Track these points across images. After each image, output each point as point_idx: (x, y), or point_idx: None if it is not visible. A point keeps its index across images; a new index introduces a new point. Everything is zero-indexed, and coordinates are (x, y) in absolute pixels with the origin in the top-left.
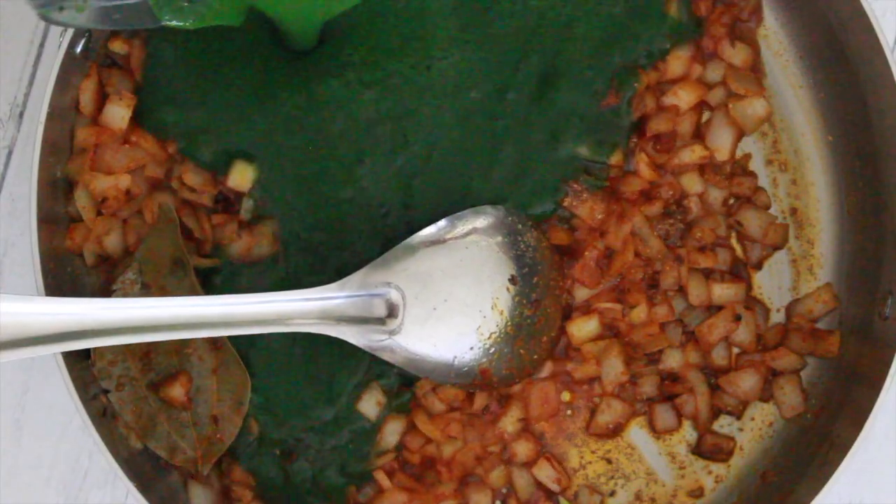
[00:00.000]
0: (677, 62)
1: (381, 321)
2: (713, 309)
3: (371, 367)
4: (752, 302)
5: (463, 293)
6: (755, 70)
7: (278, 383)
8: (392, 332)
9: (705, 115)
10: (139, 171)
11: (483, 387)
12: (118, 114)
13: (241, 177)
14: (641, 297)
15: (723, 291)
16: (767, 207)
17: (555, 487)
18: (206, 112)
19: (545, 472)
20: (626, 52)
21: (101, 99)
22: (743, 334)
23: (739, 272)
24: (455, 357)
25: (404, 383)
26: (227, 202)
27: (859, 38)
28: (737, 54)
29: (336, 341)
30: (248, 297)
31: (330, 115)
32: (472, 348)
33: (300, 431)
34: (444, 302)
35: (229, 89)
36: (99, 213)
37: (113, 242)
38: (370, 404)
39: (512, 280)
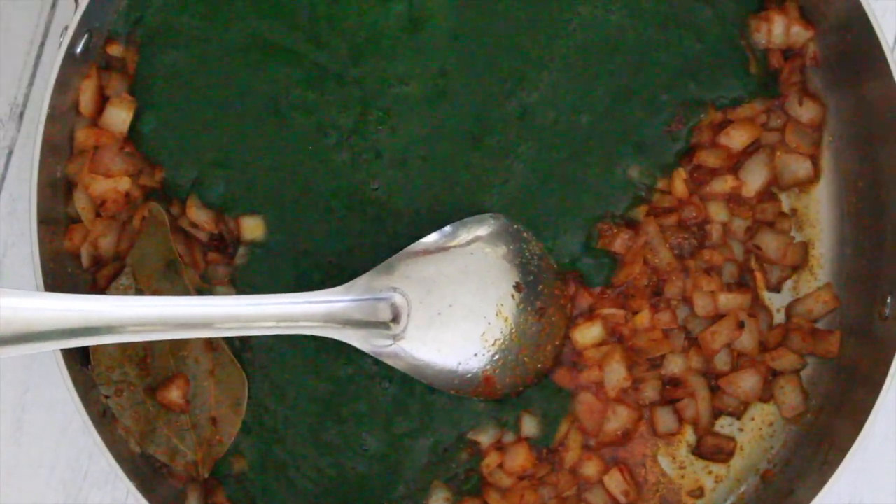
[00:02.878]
0: (748, 110)
1: (385, 325)
2: (717, 315)
3: (427, 469)
4: (756, 309)
5: (467, 299)
6: (818, 130)
7: None
8: (396, 337)
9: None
10: (138, 175)
11: (486, 395)
12: (119, 116)
13: (251, 230)
14: (645, 304)
15: (728, 301)
16: (788, 231)
17: (622, 499)
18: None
19: (615, 482)
20: (703, 88)
21: (101, 100)
22: (746, 341)
23: (746, 281)
24: (459, 363)
25: (470, 468)
26: (221, 240)
27: (859, 38)
28: (805, 112)
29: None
30: (253, 299)
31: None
32: (476, 355)
33: None
34: (449, 307)
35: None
36: (98, 215)
37: (108, 245)
38: (439, 503)
39: (517, 287)
